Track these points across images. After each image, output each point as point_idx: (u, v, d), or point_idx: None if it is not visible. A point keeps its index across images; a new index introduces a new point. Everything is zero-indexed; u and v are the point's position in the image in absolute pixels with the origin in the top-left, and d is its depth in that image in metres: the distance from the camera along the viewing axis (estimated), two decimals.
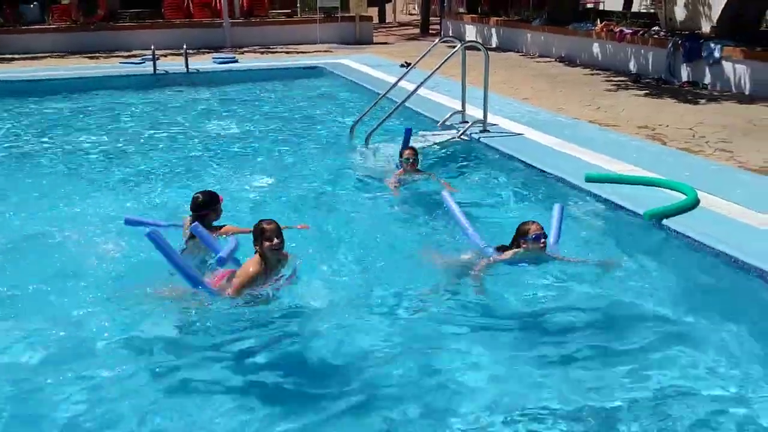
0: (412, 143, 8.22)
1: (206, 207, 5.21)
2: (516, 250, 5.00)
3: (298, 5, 22.48)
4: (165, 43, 17.30)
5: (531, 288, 4.85)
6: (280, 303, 4.51)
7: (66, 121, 11.03)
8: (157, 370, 3.99)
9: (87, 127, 10.47)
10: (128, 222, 5.41)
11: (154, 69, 14.26)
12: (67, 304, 4.59)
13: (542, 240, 4.93)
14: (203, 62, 15.66)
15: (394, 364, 4.00)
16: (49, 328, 4.34)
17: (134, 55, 16.91)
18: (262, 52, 18.31)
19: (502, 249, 5.07)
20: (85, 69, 15.19)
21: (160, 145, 9.31)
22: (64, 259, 5.24)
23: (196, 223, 4.97)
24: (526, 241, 4.95)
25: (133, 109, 11.91)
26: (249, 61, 16.45)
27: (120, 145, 9.36)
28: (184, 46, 14.54)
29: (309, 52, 18.03)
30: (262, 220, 4.61)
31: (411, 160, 7.17)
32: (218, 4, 20.19)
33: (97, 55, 17.94)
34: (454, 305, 4.66)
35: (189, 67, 14.40)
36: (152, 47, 14.42)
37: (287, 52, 18.16)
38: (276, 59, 16.83)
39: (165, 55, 16.29)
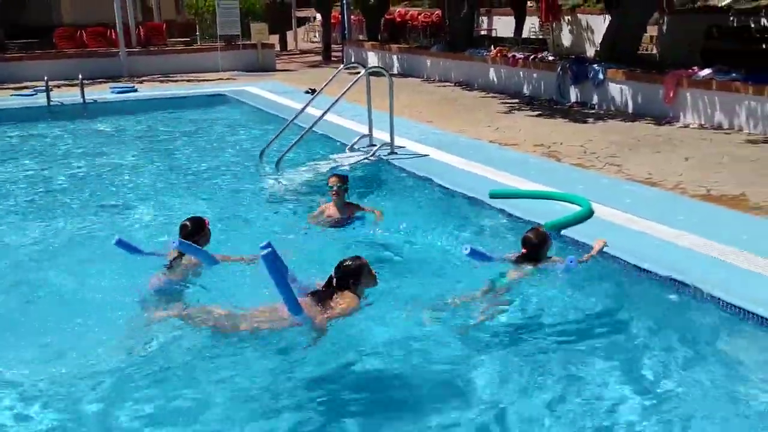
0: (320, 167, 8.38)
1: (196, 234, 5.32)
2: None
3: (198, 33, 22.25)
4: (58, 74, 16.68)
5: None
6: None
7: None
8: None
9: None
10: (120, 243, 5.24)
11: (48, 100, 13.71)
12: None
13: None
14: (100, 92, 15.23)
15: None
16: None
17: (25, 87, 16.22)
18: (163, 81, 18.00)
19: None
20: None
21: (60, 180, 9.00)
22: None
23: (179, 240, 4.99)
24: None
25: (30, 142, 11.43)
26: (149, 90, 16.13)
27: (15, 180, 8.97)
28: (80, 77, 14.09)
29: (212, 80, 17.87)
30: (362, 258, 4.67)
31: (335, 188, 6.46)
32: (113, 34, 19.71)
33: None
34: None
35: (86, 97, 13.98)
36: (45, 78, 13.89)
37: (189, 81, 17.93)
38: (178, 88, 16.60)
39: (59, 86, 15.71)
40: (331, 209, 6.60)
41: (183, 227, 5.38)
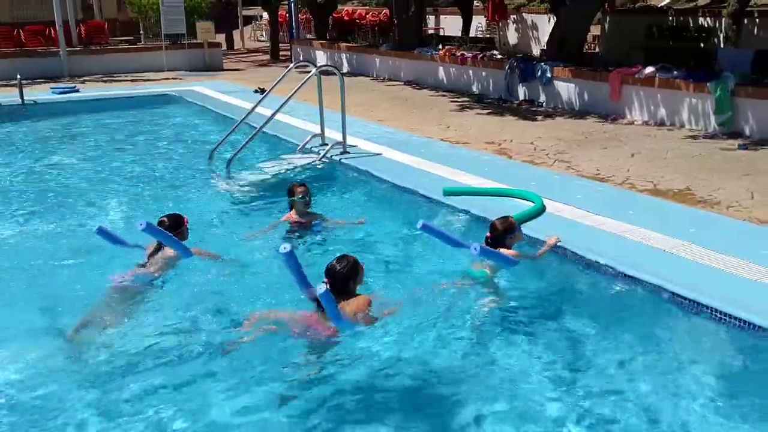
0: (272, 167, 8.25)
1: (173, 230, 5.30)
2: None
3: (141, 32, 21.72)
4: None
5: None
6: None
7: None
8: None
9: None
10: (101, 231, 5.25)
11: None
12: None
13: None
14: (40, 93, 14.71)
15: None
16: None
17: None
18: (106, 81, 17.50)
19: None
20: None
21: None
22: None
23: (146, 222, 4.90)
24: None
25: None
26: (92, 90, 15.66)
27: None
28: (18, 77, 13.59)
29: (157, 80, 17.46)
30: (349, 256, 4.47)
31: (306, 198, 6.32)
32: (52, 32, 19.08)
33: None
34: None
35: (25, 98, 13.48)
36: None
37: (133, 80, 17.49)
38: (121, 88, 16.16)
39: None
40: (292, 216, 6.41)
41: (160, 222, 5.36)
